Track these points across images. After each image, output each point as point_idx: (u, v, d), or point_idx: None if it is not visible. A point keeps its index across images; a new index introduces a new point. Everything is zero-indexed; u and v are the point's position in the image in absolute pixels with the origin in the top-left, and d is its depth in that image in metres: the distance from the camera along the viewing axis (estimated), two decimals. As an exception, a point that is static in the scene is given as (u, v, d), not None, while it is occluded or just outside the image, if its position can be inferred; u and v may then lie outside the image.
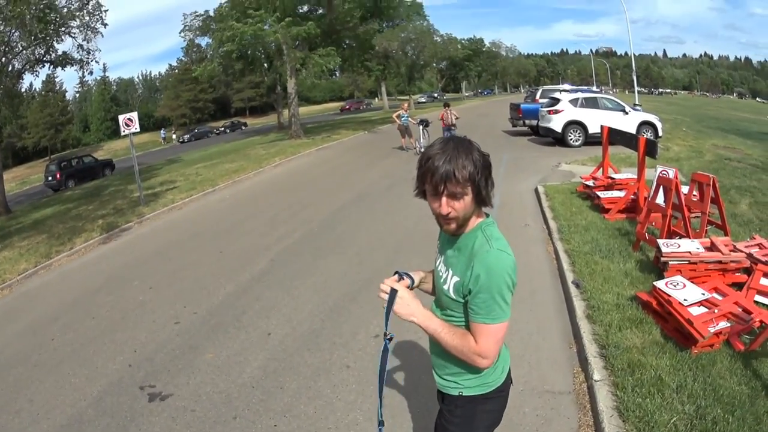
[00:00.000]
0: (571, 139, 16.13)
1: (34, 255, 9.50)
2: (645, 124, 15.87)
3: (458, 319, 1.85)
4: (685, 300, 4.12)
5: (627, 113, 16.09)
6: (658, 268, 5.26)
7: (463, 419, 1.94)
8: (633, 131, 13.64)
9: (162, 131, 61.47)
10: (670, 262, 4.90)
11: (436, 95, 70.57)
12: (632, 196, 7.56)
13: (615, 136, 9.32)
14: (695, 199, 6.13)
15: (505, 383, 1.97)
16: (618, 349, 3.87)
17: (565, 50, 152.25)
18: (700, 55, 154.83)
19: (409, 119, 17.95)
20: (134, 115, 13.20)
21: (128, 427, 3.82)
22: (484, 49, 79.24)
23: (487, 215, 1.88)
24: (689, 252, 4.93)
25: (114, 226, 11.19)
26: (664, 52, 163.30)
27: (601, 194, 8.22)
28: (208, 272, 7.36)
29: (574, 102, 16.47)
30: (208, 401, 4.06)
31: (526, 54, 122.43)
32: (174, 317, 5.87)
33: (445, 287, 1.87)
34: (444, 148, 1.71)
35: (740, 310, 3.98)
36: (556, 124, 16.30)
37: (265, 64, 32.61)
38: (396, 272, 1.95)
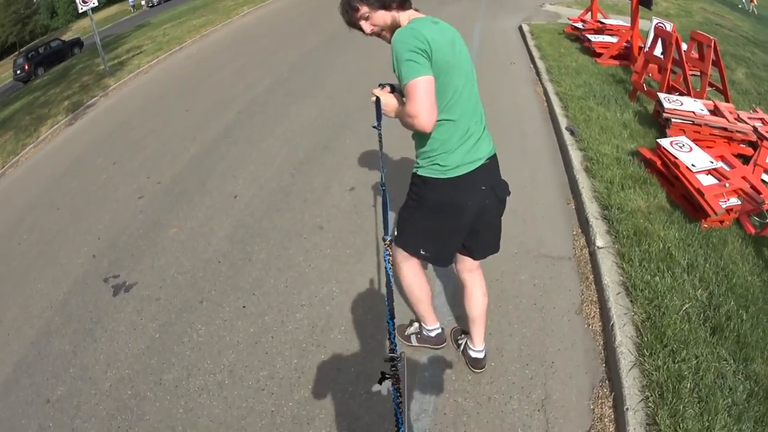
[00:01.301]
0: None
1: (0, 155, 8.56)
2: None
3: None
4: (693, 165, 3.73)
5: None
6: (658, 122, 4.83)
7: (416, 196, 2.12)
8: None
9: (130, -1, 56.22)
10: (672, 120, 4.46)
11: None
12: (625, 44, 7.12)
13: None
14: (694, 58, 5.75)
15: (466, 180, 2.00)
16: (622, 212, 3.47)
17: None
18: None
19: None
20: None
21: (94, 330, 3.49)
22: None
23: (435, 20, 1.98)
24: (693, 112, 4.51)
25: (79, 104, 10.04)
26: None
27: (592, 37, 7.67)
28: (173, 135, 6.75)
29: None
30: (172, 285, 3.72)
31: None
32: (137, 191, 5.39)
33: None
34: None
35: (750, 187, 3.59)
36: None
37: None
38: (380, 84, 2.15)
